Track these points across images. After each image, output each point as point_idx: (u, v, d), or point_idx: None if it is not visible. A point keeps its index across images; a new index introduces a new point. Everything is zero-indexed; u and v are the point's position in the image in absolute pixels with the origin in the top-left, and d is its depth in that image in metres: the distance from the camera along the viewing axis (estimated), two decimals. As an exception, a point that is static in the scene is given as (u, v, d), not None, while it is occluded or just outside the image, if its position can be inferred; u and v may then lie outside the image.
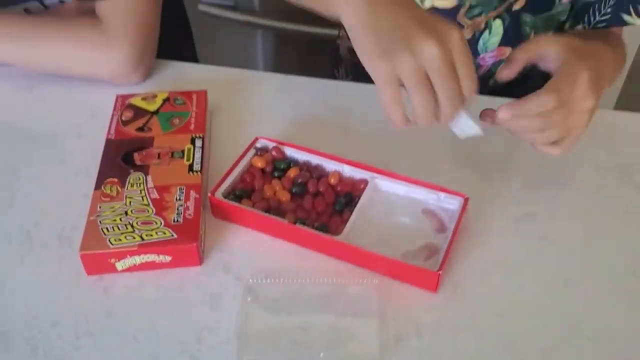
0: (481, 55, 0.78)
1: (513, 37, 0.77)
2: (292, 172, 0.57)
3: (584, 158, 0.62)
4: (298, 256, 0.52)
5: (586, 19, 0.74)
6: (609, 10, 0.72)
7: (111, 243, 0.49)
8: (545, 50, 0.54)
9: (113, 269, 0.50)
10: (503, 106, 0.50)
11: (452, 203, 0.55)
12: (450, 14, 0.74)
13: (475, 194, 0.55)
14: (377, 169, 0.57)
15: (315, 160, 0.59)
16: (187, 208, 0.52)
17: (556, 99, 0.50)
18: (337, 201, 0.55)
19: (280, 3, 1.51)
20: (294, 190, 0.56)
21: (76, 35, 0.68)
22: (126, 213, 0.52)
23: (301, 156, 0.59)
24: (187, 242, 0.50)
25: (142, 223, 0.51)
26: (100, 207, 0.52)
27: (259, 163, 0.58)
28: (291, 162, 0.59)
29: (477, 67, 0.79)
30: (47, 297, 0.49)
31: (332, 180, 0.57)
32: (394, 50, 0.46)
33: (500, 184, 0.60)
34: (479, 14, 0.75)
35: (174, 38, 0.78)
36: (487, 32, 0.76)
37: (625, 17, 0.71)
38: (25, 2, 0.74)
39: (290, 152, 0.59)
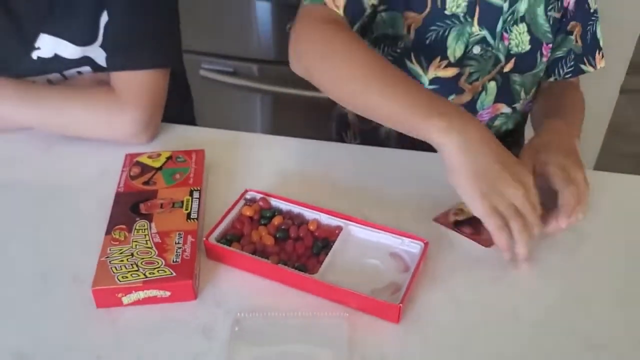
0: (479, 112, 0.89)
1: (505, 95, 0.90)
2: (277, 220, 0.66)
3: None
4: (280, 293, 0.60)
5: (556, 71, 0.91)
6: (572, 63, 0.89)
7: (119, 280, 0.57)
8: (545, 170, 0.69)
9: (120, 303, 0.58)
10: (560, 219, 0.65)
11: (415, 247, 0.63)
12: (452, 82, 0.86)
13: (434, 240, 0.64)
14: (351, 217, 0.66)
15: (296, 209, 0.67)
16: (185, 250, 0.61)
17: (572, 186, 0.67)
18: (314, 245, 0.63)
19: (278, 69, 1.64)
20: (277, 236, 0.65)
21: (93, 102, 0.78)
22: (132, 254, 0.60)
23: (284, 206, 0.68)
24: (184, 280, 0.58)
25: (146, 263, 0.59)
26: (110, 250, 0.61)
27: (248, 212, 0.67)
28: (276, 211, 0.67)
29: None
30: (62, 326, 0.57)
31: (311, 227, 0.65)
32: (489, 192, 0.61)
33: (455, 232, 0.68)
34: (477, 79, 0.87)
35: (175, 102, 0.88)
36: (483, 92, 0.88)
37: (583, 67, 0.91)
38: (48, 74, 0.85)
39: (275, 202, 0.68)
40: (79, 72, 0.86)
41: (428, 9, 0.81)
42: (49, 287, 0.61)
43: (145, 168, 0.73)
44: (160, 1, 0.83)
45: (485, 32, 0.83)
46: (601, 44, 0.91)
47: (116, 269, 0.58)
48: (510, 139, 0.96)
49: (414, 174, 0.77)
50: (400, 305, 0.56)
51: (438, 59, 0.84)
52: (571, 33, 0.88)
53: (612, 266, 0.66)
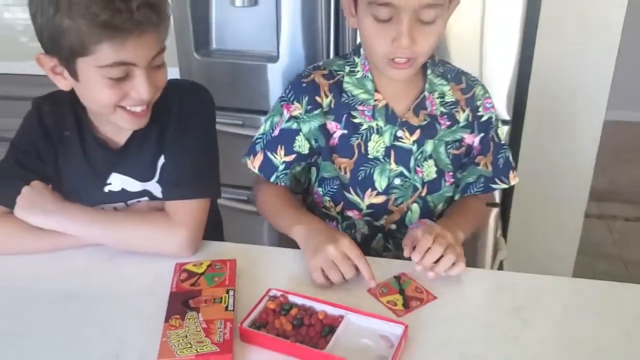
0: (410, 227, 1.14)
1: (426, 212, 1.17)
2: (293, 311, 0.86)
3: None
4: (297, 365, 0.80)
5: (469, 191, 1.19)
6: (481, 185, 1.18)
7: (177, 354, 0.77)
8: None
9: (178, 373, 0.77)
10: (413, 255, 0.94)
11: (398, 329, 0.83)
12: (383, 206, 1.14)
13: (413, 323, 0.84)
14: (350, 308, 0.86)
15: (308, 303, 0.88)
16: (225, 333, 0.81)
17: (430, 233, 0.95)
18: (323, 329, 0.83)
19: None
20: (294, 323, 0.85)
21: (151, 225, 1.01)
22: (186, 336, 0.80)
23: (299, 300, 0.89)
24: (226, 354, 0.78)
25: (197, 342, 0.79)
26: (169, 333, 0.81)
27: (272, 305, 0.87)
28: (292, 305, 0.88)
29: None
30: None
31: (320, 316, 0.85)
32: (315, 253, 0.95)
33: (430, 314, 0.88)
34: (402, 202, 1.15)
35: (210, 223, 1.11)
36: (409, 212, 1.16)
37: (494, 186, 1.19)
38: (115, 203, 1.09)
39: (292, 298, 0.89)
40: (138, 200, 1.10)
41: (356, 156, 1.12)
42: (122, 363, 0.80)
43: (191, 274, 0.94)
44: (206, 144, 1.10)
45: (402, 168, 1.12)
46: (512, 165, 1.20)
47: (174, 346, 0.78)
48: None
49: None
50: None
51: (369, 189, 1.13)
52: (478, 164, 1.17)
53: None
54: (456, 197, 1.20)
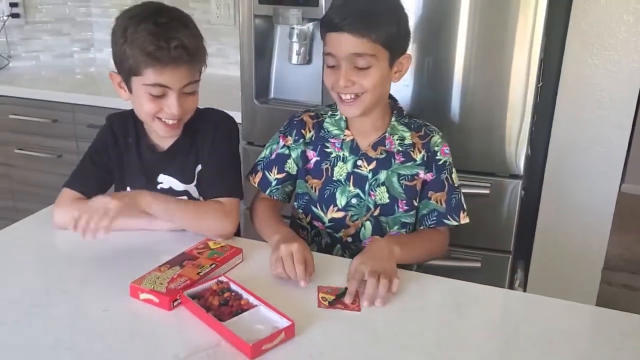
0: (363, 242, 1.42)
1: (378, 230, 1.43)
2: (226, 295, 1.15)
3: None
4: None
5: (424, 223, 1.43)
6: (434, 218, 1.41)
7: (143, 284, 1.15)
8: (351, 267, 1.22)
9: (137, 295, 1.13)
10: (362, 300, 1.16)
11: (284, 323, 1.09)
12: (341, 220, 1.43)
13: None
14: (266, 302, 1.12)
15: (241, 292, 1.16)
16: (180, 286, 1.15)
17: (359, 272, 1.18)
18: (236, 311, 1.10)
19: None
20: (221, 302, 1.13)
21: (206, 207, 1.39)
22: (159, 277, 1.18)
23: (236, 289, 1.17)
24: (168, 296, 1.12)
25: (160, 283, 1.16)
26: (152, 273, 1.18)
27: (214, 287, 1.18)
28: (229, 290, 1.17)
29: (362, 248, 1.41)
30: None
31: (242, 302, 1.14)
32: (273, 250, 1.24)
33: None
34: (357, 219, 1.42)
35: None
36: (363, 228, 1.42)
37: (446, 221, 1.41)
38: (180, 196, 1.48)
39: (233, 286, 1.18)
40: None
41: (324, 177, 1.42)
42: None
43: (206, 246, 1.31)
44: (233, 157, 1.47)
45: (358, 190, 1.41)
46: (464, 207, 1.42)
47: (147, 280, 1.16)
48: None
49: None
50: (251, 345, 1.01)
51: (332, 206, 1.42)
52: (430, 199, 1.41)
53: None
54: (417, 227, 1.44)
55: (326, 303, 1.16)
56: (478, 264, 1.97)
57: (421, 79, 1.87)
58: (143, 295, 1.15)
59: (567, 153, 2.02)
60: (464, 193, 1.84)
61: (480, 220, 1.89)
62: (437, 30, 1.82)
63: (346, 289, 1.18)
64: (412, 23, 1.77)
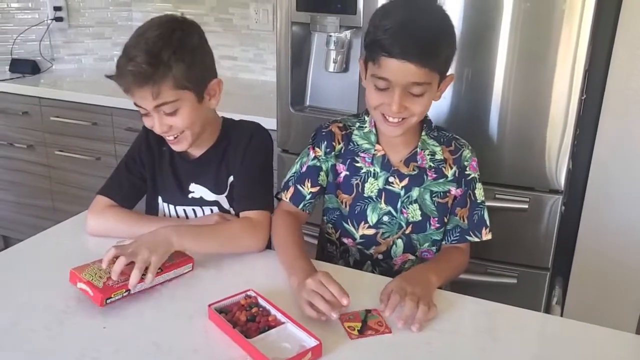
0: (394, 259, 1.39)
1: (409, 248, 1.40)
2: (254, 310, 1.14)
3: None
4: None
5: (447, 239, 1.41)
6: (457, 234, 1.40)
7: (83, 274, 1.17)
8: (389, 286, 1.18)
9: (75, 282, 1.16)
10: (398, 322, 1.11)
11: (312, 342, 1.08)
12: (372, 237, 1.40)
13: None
14: (294, 319, 1.12)
15: (269, 307, 1.15)
16: (119, 285, 1.14)
17: (399, 293, 1.13)
18: (263, 328, 1.09)
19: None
20: (248, 318, 1.11)
21: (235, 227, 1.38)
22: (100, 270, 1.19)
23: (264, 304, 1.16)
24: (102, 293, 1.11)
25: (99, 277, 1.15)
26: (98, 265, 1.20)
27: (242, 301, 1.17)
28: (257, 305, 1.16)
29: (393, 265, 1.40)
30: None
31: (270, 319, 1.13)
32: (300, 289, 1.16)
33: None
34: (388, 237, 1.39)
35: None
36: (394, 246, 1.39)
37: (468, 237, 1.39)
38: (195, 206, 1.48)
39: (260, 301, 1.17)
40: (211, 210, 1.48)
41: (354, 193, 1.39)
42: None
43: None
44: (264, 170, 1.46)
45: (390, 208, 1.37)
46: (487, 223, 1.39)
47: (89, 269, 1.18)
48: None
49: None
50: None
51: (363, 222, 1.39)
52: (456, 214, 1.38)
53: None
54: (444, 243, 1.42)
55: (356, 332, 1.12)
56: (514, 280, 1.92)
57: (459, 90, 1.83)
58: (80, 285, 1.15)
59: (610, 168, 1.95)
60: (501, 207, 1.82)
61: (518, 235, 1.86)
62: (478, 41, 1.78)
63: (367, 310, 1.16)
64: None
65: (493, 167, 1.84)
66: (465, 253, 1.42)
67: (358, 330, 1.12)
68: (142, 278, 1.18)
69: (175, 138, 1.38)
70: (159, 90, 1.26)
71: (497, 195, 1.85)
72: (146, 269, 1.18)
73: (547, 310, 1.94)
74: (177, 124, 1.35)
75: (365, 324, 1.14)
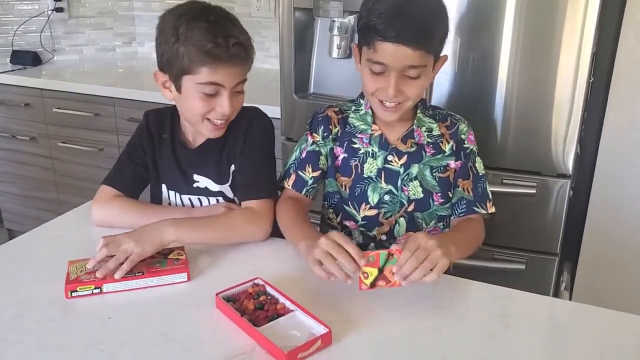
0: (398, 239, 1.37)
1: (412, 227, 1.39)
2: (262, 298, 1.13)
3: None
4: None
5: (454, 212, 1.39)
6: (464, 206, 1.37)
7: (70, 269, 1.15)
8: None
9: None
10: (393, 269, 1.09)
11: (321, 330, 1.06)
12: (374, 218, 1.39)
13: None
14: (303, 307, 1.10)
15: (277, 295, 1.14)
16: (96, 280, 1.13)
17: (416, 243, 1.09)
18: (272, 316, 1.08)
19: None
20: (256, 306, 1.10)
21: (234, 217, 1.37)
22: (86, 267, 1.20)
23: (272, 292, 1.15)
24: (73, 284, 1.10)
25: (87, 274, 1.14)
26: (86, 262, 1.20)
27: (250, 290, 1.16)
28: (265, 294, 1.15)
29: (397, 242, 1.38)
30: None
31: (278, 307, 1.12)
32: (311, 249, 1.14)
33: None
34: (390, 216, 1.38)
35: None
36: (397, 225, 1.38)
37: (475, 209, 1.37)
38: (200, 196, 1.46)
39: (268, 289, 1.16)
40: (217, 200, 1.47)
41: (353, 175, 1.38)
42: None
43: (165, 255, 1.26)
44: (267, 157, 1.44)
45: (390, 187, 1.36)
46: (490, 197, 1.38)
47: (77, 265, 1.20)
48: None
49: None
50: (286, 353, 0.97)
51: (364, 204, 1.38)
52: (458, 186, 1.38)
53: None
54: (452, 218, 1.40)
55: (367, 283, 1.11)
56: (522, 266, 1.90)
57: (465, 74, 1.81)
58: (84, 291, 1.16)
59: (618, 152, 1.93)
60: (509, 192, 1.80)
61: (525, 220, 1.84)
62: (482, 25, 1.75)
63: (389, 254, 1.10)
64: (456, 18, 1.74)
65: (500, 151, 1.82)
66: (479, 223, 1.39)
67: (370, 282, 1.11)
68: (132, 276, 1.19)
69: (223, 122, 1.37)
70: (245, 68, 1.33)
71: (504, 181, 1.84)
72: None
73: (556, 296, 1.93)
74: (238, 105, 1.37)
75: (382, 272, 1.11)
